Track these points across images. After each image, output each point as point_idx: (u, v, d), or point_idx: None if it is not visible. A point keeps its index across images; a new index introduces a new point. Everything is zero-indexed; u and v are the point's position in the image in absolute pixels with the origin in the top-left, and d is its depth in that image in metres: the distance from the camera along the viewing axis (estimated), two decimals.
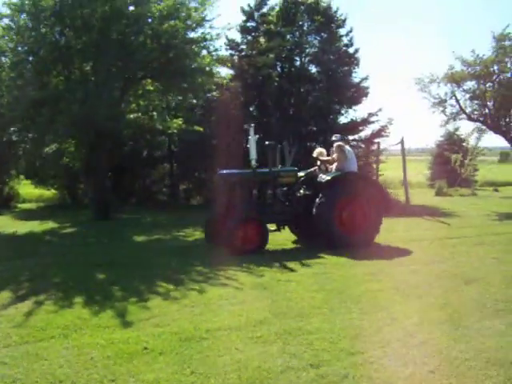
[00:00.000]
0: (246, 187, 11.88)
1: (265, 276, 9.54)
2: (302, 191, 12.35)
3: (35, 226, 17.64)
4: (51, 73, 15.92)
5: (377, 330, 6.49)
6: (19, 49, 15.55)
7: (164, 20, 15.73)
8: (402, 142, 20.46)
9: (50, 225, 18.08)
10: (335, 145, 12.39)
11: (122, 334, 6.50)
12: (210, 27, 16.71)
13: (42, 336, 6.52)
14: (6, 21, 15.60)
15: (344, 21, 25.21)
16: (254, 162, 11.67)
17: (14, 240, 15.23)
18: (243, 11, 24.21)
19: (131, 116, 17.01)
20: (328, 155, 12.84)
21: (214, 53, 16.91)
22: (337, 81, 24.62)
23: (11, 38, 15.32)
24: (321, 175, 12.26)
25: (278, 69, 24.86)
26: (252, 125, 11.97)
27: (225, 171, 12.34)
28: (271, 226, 12.30)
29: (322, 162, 12.61)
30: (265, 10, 24.56)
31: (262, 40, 23.79)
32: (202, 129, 18.26)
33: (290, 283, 8.96)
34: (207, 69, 16.31)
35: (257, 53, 22.86)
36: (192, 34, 16.57)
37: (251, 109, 25.02)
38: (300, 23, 25.15)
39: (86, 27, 15.49)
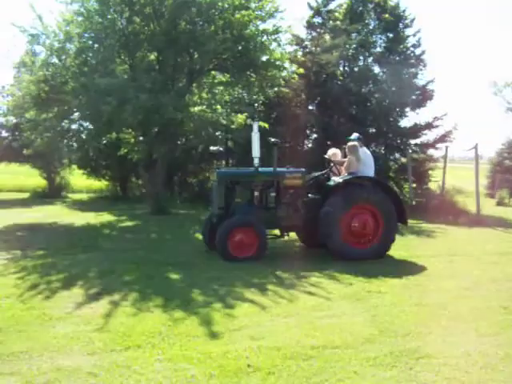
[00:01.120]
0: (247, 188, 10.87)
1: (353, 285, 8.83)
2: (310, 195, 11.25)
3: (91, 218, 17.20)
4: (115, 61, 15.37)
5: (504, 356, 5.64)
6: (86, 35, 14.98)
7: (235, 10, 15.02)
8: (475, 149, 19.37)
9: (106, 217, 17.62)
10: (348, 145, 11.24)
11: (216, 347, 5.85)
12: (281, 19, 15.93)
13: (127, 343, 5.92)
14: (75, 6, 15.09)
15: (412, 21, 24.26)
16: (256, 161, 10.73)
17: (73, 232, 14.77)
18: (310, 6, 23.43)
19: (195, 109, 16.31)
20: (345, 157, 11.65)
21: (283, 46, 16.06)
22: (402, 82, 23.59)
23: (79, 24, 14.78)
24: (332, 179, 11.26)
25: (341, 67, 23.90)
26: (256, 120, 11.04)
27: (223, 169, 11.38)
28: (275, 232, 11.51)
29: (334, 163, 11.54)
30: (332, 6, 23.67)
31: (326, 37, 22.91)
32: (267, 125, 17.49)
33: (384, 295, 8.21)
34: (278, 62, 15.49)
35: (321, 50, 21.96)
36: (262, 26, 15.78)
37: (311, 107, 24.13)
38: (366, 22, 24.10)
39: (155, 15, 14.88)
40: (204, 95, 17.33)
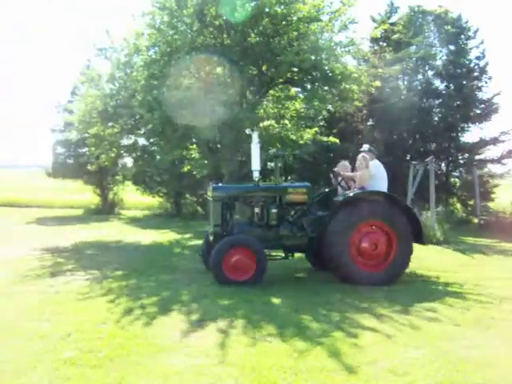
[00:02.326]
0: (246, 204, 10.10)
1: (470, 310, 8.13)
2: (317, 212, 10.32)
3: (155, 236, 16.73)
4: (185, 74, 14.95)
5: None
6: (156, 48, 14.59)
7: (309, 21, 14.45)
8: None
9: (170, 235, 17.16)
10: (359, 157, 10.41)
11: None
12: (354, 31, 15.30)
13: (260, 380, 5.31)
14: (146, 19, 14.73)
15: (475, 32, 23.51)
16: (256, 175, 9.97)
17: (143, 250, 14.32)
18: (373, 19, 22.84)
19: (265, 123, 15.76)
20: (353, 170, 10.83)
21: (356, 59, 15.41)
22: (465, 96, 22.81)
23: (150, 36, 14.39)
24: (340, 194, 10.44)
25: (400, 81, 23.23)
26: (256, 130, 10.10)
27: (220, 184, 10.68)
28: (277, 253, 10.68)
29: (342, 177, 10.65)
30: (393, 19, 23.02)
31: (388, 50, 22.28)
32: (337, 140, 16.86)
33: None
34: (355, 75, 14.83)
35: (384, 63, 21.31)
36: (335, 38, 15.17)
37: (371, 122, 23.46)
38: (427, 34, 23.42)
39: (226, 27, 14.41)
40: (270, 110, 16.73)
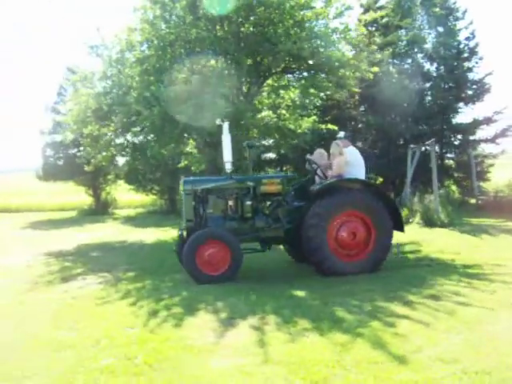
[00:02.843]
0: (220, 197, 9.81)
1: (497, 293, 7.98)
2: (294, 203, 10.07)
3: (157, 234, 16.50)
4: (180, 68, 14.67)
5: None
6: (149, 43, 14.31)
7: (302, 8, 14.24)
8: None
9: (172, 233, 16.86)
10: (332, 144, 10.07)
11: (415, 374, 5.08)
12: (349, 16, 15.12)
13: (312, 377, 5.16)
14: (138, 14, 14.44)
15: (464, 13, 23.42)
16: (228, 166, 9.72)
17: (149, 250, 14.10)
18: (361, 4, 22.64)
19: (262, 114, 15.53)
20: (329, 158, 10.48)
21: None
22: (456, 77, 22.74)
23: (143, 31, 14.10)
24: (317, 183, 10.16)
25: (392, 66, 23.07)
26: (226, 120, 9.75)
27: (192, 178, 10.45)
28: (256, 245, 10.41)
29: (317, 166, 10.28)
30: (381, 2, 22.86)
31: (377, 34, 22.11)
32: (336, 127, 16.69)
33: None
34: (352, 61, 14.61)
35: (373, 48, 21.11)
36: (330, 24, 14.93)
37: (363, 108, 23.31)
38: (415, 17, 23.28)
39: (219, 18, 14.14)
40: (265, 100, 16.52)
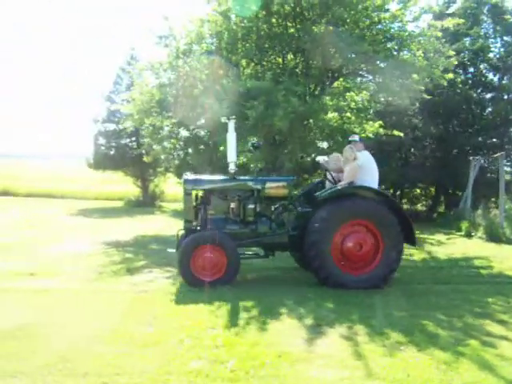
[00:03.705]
0: (222, 199, 9.32)
1: None
2: (301, 208, 9.46)
3: None
4: (250, 63, 14.43)
5: None
6: (219, 36, 14.08)
7: (379, 9, 13.84)
8: None
9: None
10: (346, 148, 9.39)
11: None
12: (424, 21, 14.69)
13: None
14: (212, 5, 14.22)
15: None
16: (232, 167, 9.21)
17: None
18: (426, 10, 21.98)
19: (329, 115, 15.16)
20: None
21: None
22: None
23: (215, 23, 13.86)
24: (326, 189, 9.58)
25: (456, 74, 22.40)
26: (232, 118, 9.16)
27: (192, 177, 9.87)
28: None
29: (328, 171, 9.70)
30: (451, 10, 22.20)
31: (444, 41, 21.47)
32: (402, 134, 16.23)
33: None
34: (427, 66, 14.14)
35: (439, 55, 20.53)
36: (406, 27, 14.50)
37: (420, 116, 22.71)
38: (482, 25, 22.59)
39: (295, 14, 13.83)
40: (328, 102, 16.11)
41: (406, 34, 13.76)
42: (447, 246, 14.75)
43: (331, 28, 13.33)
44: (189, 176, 9.80)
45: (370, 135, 16.05)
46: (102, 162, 25.80)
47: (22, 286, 8.89)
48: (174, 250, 9.50)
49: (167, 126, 15.56)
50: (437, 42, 14.41)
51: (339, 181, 9.40)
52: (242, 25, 13.94)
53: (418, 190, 24.83)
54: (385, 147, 20.18)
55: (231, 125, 9.16)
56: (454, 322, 7.15)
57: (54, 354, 5.65)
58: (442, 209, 24.13)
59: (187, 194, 9.24)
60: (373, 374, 5.29)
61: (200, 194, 9.41)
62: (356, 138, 9.83)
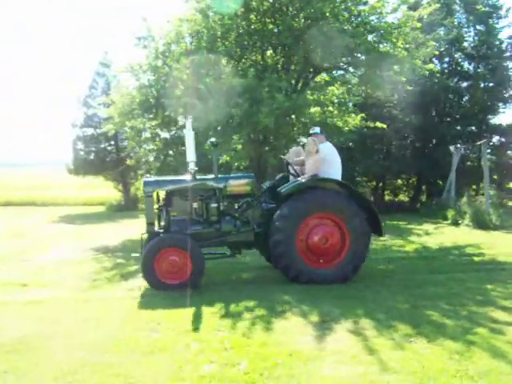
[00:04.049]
0: (183, 199, 9.10)
1: None
2: (265, 205, 9.36)
3: None
4: (231, 61, 14.33)
5: None
6: (199, 35, 13.97)
7: (356, 3, 13.85)
8: None
9: None
10: (307, 140, 9.22)
11: None
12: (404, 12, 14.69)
13: None
14: (190, 4, 14.10)
15: (507, 10, 22.84)
16: (192, 166, 8.96)
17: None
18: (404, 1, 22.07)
19: (311, 110, 15.12)
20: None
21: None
22: (498, 77, 22.21)
23: (194, 22, 13.75)
24: (289, 183, 9.35)
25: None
26: (190, 117, 9.05)
27: (152, 178, 9.79)
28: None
29: (290, 165, 9.45)
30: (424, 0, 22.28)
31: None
32: (385, 126, 16.26)
33: None
34: (408, 58, 14.15)
35: (415, 45, 20.62)
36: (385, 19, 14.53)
37: (400, 108, 22.81)
38: (455, 15, 22.79)
39: (274, 11, 13.77)
40: (309, 96, 16.06)
41: (386, 25, 13.67)
42: (436, 235, 14.82)
43: (310, 22, 13.24)
44: (148, 178, 9.66)
45: (353, 128, 16.02)
46: (82, 167, 25.50)
47: (15, 297, 8.66)
48: (138, 254, 9.37)
49: (149, 128, 15.31)
50: (416, 33, 14.40)
51: (302, 174, 9.22)
52: (221, 23, 13.77)
53: (400, 181, 24.94)
54: (366, 140, 20.22)
55: (189, 123, 8.96)
56: (458, 311, 7.18)
57: (59, 366, 5.49)
58: (424, 198, 24.27)
59: (148, 196, 9.06)
60: (387, 368, 5.25)
61: (161, 195, 9.27)
62: (317, 129, 9.55)
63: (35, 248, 13.93)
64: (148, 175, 9.93)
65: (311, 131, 9.57)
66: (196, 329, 6.65)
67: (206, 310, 7.43)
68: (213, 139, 9.34)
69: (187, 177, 9.21)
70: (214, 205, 9.02)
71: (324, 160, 8.91)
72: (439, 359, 5.44)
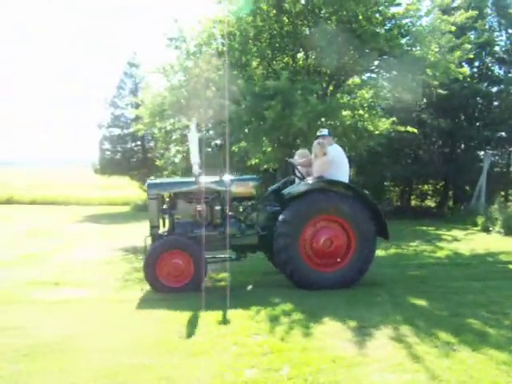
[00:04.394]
0: (187, 202, 8.99)
1: None
2: (271, 207, 9.26)
3: None
4: (264, 63, 14.29)
5: None
6: (231, 37, 13.94)
7: (388, 4, 13.72)
8: None
9: None
10: (315, 143, 8.91)
11: None
12: (438, 17, 14.52)
13: None
14: (223, 5, 14.11)
15: None
16: (196, 168, 8.74)
17: None
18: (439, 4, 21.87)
19: (343, 113, 15.01)
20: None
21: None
22: None
23: (227, 23, 13.73)
24: (294, 185, 9.23)
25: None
26: (194, 119, 8.93)
27: (157, 181, 9.77)
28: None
29: (295, 167, 9.29)
30: (456, 3, 22.07)
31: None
32: (416, 130, 16.08)
33: None
34: (443, 62, 13.97)
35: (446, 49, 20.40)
36: (419, 22, 14.39)
37: (428, 112, 22.61)
38: (487, 18, 22.52)
39: (306, 13, 13.69)
40: (342, 99, 15.96)
41: (420, 28, 13.52)
42: (467, 241, 14.61)
43: (343, 25, 13.16)
44: (152, 180, 9.63)
45: (383, 132, 15.89)
46: (109, 166, 25.61)
47: (48, 296, 8.68)
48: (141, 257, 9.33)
49: (179, 129, 15.32)
50: (450, 36, 14.23)
51: (308, 176, 9.07)
52: (253, 24, 13.74)
53: (426, 186, 24.70)
54: (394, 144, 20.05)
55: (193, 125, 8.80)
56: (500, 320, 7.00)
57: (98, 367, 5.43)
58: (451, 204, 23.99)
59: (151, 198, 8.99)
60: (435, 376, 5.13)
61: (166, 198, 9.23)
62: (325, 131, 9.30)
63: (63, 247, 14.00)
64: (152, 177, 9.81)
65: (319, 133, 9.27)
66: (234, 332, 6.55)
67: (243, 314, 7.34)
68: (217, 141, 9.26)
69: (192, 179, 9.05)
70: (218, 207, 8.91)
71: (332, 162, 8.73)
72: (486, 370, 5.29)
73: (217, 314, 7.32)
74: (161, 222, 9.20)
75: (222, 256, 9.39)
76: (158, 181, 9.85)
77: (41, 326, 6.99)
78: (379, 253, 12.16)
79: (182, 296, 8.37)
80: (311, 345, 6.07)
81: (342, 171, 8.87)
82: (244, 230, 9.00)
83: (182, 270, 8.41)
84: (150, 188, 9.11)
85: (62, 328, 6.85)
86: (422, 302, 8.00)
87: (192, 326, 6.87)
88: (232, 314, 7.35)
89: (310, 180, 8.80)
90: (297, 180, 9.34)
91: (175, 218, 8.98)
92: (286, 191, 9.07)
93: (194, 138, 8.71)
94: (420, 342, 6.12)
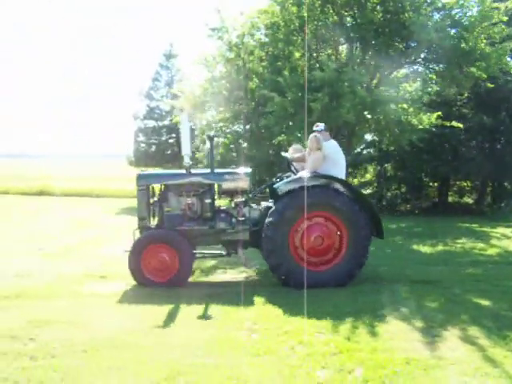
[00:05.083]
0: (177, 194, 8.73)
1: None
2: (264, 202, 9.01)
3: None
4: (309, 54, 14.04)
5: None
6: (275, 28, 13.69)
7: None
8: None
9: None
10: (310, 137, 8.54)
11: None
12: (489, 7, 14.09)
13: None
14: None
15: None
16: (187, 160, 8.53)
17: None
18: None
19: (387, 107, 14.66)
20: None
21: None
22: None
23: (272, 13, 13.47)
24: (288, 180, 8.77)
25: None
26: (185, 112, 8.51)
27: (146, 172, 9.55)
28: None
29: (290, 162, 8.97)
30: None
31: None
32: (461, 125, 15.68)
33: None
34: (494, 53, 13.56)
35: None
36: (469, 13, 13.98)
37: (470, 107, 22.06)
38: None
39: (352, 3, 13.39)
40: (385, 93, 15.59)
41: (472, 19, 13.13)
42: None
43: (390, 16, 12.85)
44: (142, 172, 9.41)
45: (427, 127, 15.53)
46: (143, 159, 25.56)
47: (97, 289, 8.54)
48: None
49: (220, 120, 15.15)
50: (503, 27, 13.79)
51: (297, 171, 8.84)
52: (298, 15, 13.48)
53: (464, 183, 24.17)
54: (434, 139, 19.62)
55: (184, 117, 8.67)
56: None
57: (163, 365, 5.24)
58: (489, 200, 23.47)
59: (140, 190, 8.80)
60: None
61: (155, 189, 9.01)
62: (321, 126, 8.86)
63: (103, 239, 13.90)
64: (143, 169, 9.61)
65: (315, 128, 8.83)
66: (295, 330, 6.34)
67: (299, 311, 7.05)
68: (209, 132, 8.96)
69: (183, 171, 8.86)
70: (208, 201, 8.67)
71: (327, 158, 8.43)
72: None
73: (275, 311, 7.13)
74: (151, 214, 8.97)
75: (212, 252, 9.26)
76: (148, 172, 9.69)
77: (95, 320, 6.84)
78: (427, 250, 11.91)
79: (234, 291, 8.19)
80: (380, 345, 5.85)
81: (338, 167, 8.59)
82: (234, 225, 8.69)
83: (168, 264, 8.24)
84: (139, 179, 8.89)
85: (117, 323, 6.69)
86: (484, 302, 7.71)
87: (251, 322, 6.71)
88: (289, 311, 7.11)
89: (301, 174, 8.46)
90: (292, 175, 9.00)
91: (165, 210, 8.76)
92: (277, 186, 8.62)
93: (185, 129, 8.53)
94: (493, 344, 5.88)
